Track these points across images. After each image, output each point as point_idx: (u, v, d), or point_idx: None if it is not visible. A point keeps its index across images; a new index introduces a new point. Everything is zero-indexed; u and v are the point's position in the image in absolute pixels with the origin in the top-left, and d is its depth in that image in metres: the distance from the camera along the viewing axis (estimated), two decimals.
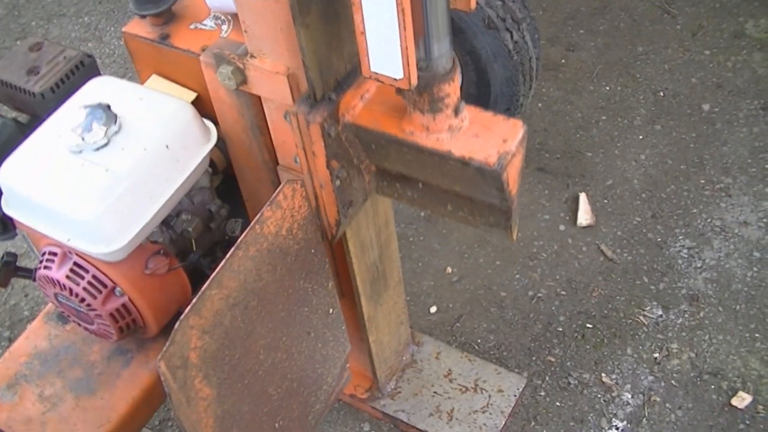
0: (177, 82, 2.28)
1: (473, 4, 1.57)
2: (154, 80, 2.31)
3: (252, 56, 1.78)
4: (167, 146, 1.96)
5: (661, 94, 3.96)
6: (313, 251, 1.99)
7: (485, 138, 1.73)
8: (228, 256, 1.72)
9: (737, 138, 3.73)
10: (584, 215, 3.46)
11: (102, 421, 2.16)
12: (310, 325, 2.14)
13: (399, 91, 1.71)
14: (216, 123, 2.11)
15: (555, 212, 3.52)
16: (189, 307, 1.63)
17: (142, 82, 2.33)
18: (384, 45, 1.47)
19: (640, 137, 3.77)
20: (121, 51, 4.53)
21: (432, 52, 1.62)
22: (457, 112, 1.73)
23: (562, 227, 3.46)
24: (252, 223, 1.76)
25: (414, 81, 1.52)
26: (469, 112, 1.78)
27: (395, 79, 1.52)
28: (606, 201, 3.53)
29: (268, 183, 2.11)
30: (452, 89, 1.70)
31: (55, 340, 2.31)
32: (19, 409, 2.18)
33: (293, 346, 2.09)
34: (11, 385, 2.23)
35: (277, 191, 1.79)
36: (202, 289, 1.67)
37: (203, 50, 2.02)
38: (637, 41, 4.23)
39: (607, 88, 4.01)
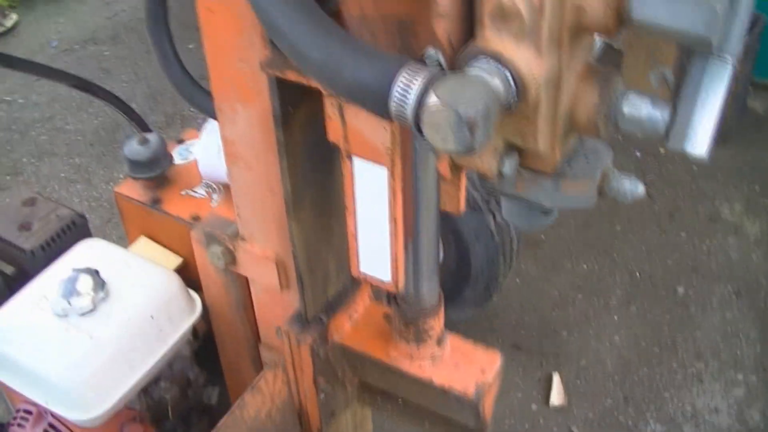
0: (164, 246, 2.33)
1: (462, 209, 1.63)
2: (142, 242, 2.35)
3: (243, 239, 1.83)
4: (152, 316, 1.98)
5: (638, 275, 4.04)
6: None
7: (464, 368, 1.85)
8: None
9: (710, 323, 3.79)
10: (557, 395, 3.48)
11: None
12: None
13: (386, 318, 1.83)
14: (201, 290, 2.14)
15: (528, 391, 3.53)
16: None
17: (129, 242, 2.37)
18: (374, 249, 1.53)
19: (616, 318, 3.83)
20: (108, 196, 4.59)
21: (421, 288, 1.73)
22: (439, 342, 1.84)
23: (534, 406, 3.48)
24: (232, 408, 1.78)
25: (401, 286, 1.57)
26: (450, 340, 1.89)
27: (383, 282, 1.57)
28: (579, 381, 3.56)
29: (248, 357, 2.13)
30: (437, 322, 1.81)
31: None
32: None
33: None
34: None
35: (258, 376, 1.82)
36: None
37: (194, 220, 2.08)
38: (615, 220, 4.33)
39: (585, 266, 4.08)
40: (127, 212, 2.36)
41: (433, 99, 1.05)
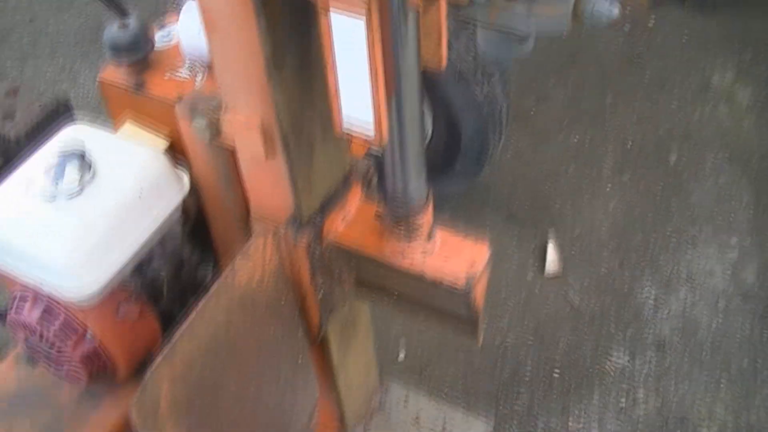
0: (151, 130, 2.30)
1: (443, 64, 1.61)
2: (128, 128, 2.33)
3: (226, 110, 1.81)
4: (140, 196, 1.98)
5: (629, 144, 4.03)
6: (283, 301, 2.01)
7: (455, 260, 1.92)
8: (200, 305, 1.74)
9: (703, 188, 3.80)
10: (552, 264, 3.51)
11: None
12: (279, 373, 2.16)
13: (378, 216, 1.91)
14: (189, 169, 2.13)
15: (523, 261, 3.56)
16: (161, 356, 1.65)
17: (115, 129, 2.35)
18: (356, 104, 1.51)
19: (609, 187, 3.83)
20: (94, 94, 4.55)
21: (409, 186, 1.80)
22: (430, 237, 1.92)
23: (529, 276, 3.51)
24: (224, 274, 1.79)
25: (385, 140, 1.56)
26: (440, 234, 1.95)
27: (367, 136, 1.55)
28: (574, 250, 3.58)
29: (239, 231, 2.13)
30: (426, 219, 1.89)
31: (24, 383, 2.31)
32: None
33: (263, 394, 2.10)
34: None
35: (249, 242, 1.82)
36: (174, 338, 1.69)
37: (178, 99, 2.05)
38: (606, 92, 4.31)
39: (576, 138, 4.07)
40: (112, 99, 2.33)
41: None
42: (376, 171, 2.06)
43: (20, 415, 2.24)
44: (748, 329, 3.27)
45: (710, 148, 4.00)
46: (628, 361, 3.20)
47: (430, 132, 3.34)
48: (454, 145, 3.33)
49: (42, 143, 2.11)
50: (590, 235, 3.64)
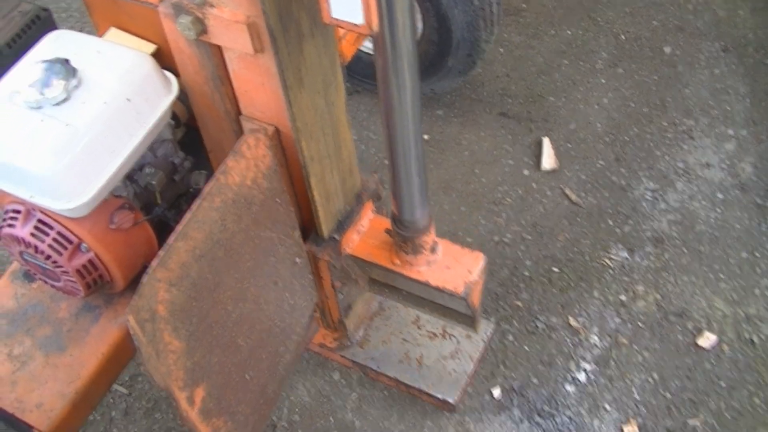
0: (136, 35, 2.25)
1: None
2: (113, 33, 2.27)
3: (211, 5, 1.76)
4: (128, 99, 1.94)
5: (623, 37, 3.97)
6: (278, 200, 1.99)
7: (454, 269, 2.28)
8: (193, 207, 1.71)
9: (698, 80, 3.75)
10: (548, 159, 3.47)
11: (72, 378, 2.15)
12: (277, 274, 2.14)
13: (388, 232, 2.25)
14: (177, 75, 2.08)
15: (518, 157, 3.52)
16: (156, 260, 1.63)
17: (99, 36, 2.29)
18: None
19: (603, 81, 3.78)
20: (78, 5, 4.45)
21: (415, 214, 2.11)
22: (433, 250, 2.27)
23: (526, 172, 3.48)
24: (216, 174, 1.76)
25: (375, 26, 1.51)
26: (442, 246, 2.30)
27: (356, 24, 1.50)
28: (569, 145, 3.54)
29: (231, 133, 2.09)
30: (430, 238, 2.22)
31: (22, 299, 2.30)
32: None
33: (261, 297, 2.09)
34: None
35: (240, 141, 1.78)
36: (169, 241, 1.67)
37: (161, 1, 2.00)
38: None
39: (569, 32, 4.00)
40: (94, 4, 2.27)
41: None
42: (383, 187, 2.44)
43: (20, 332, 2.23)
44: (746, 220, 3.25)
45: (705, 38, 3.93)
46: (627, 256, 3.19)
47: (420, 28, 3.26)
48: (445, 40, 3.26)
49: (24, 52, 2.06)
50: (585, 129, 3.60)
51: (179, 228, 1.67)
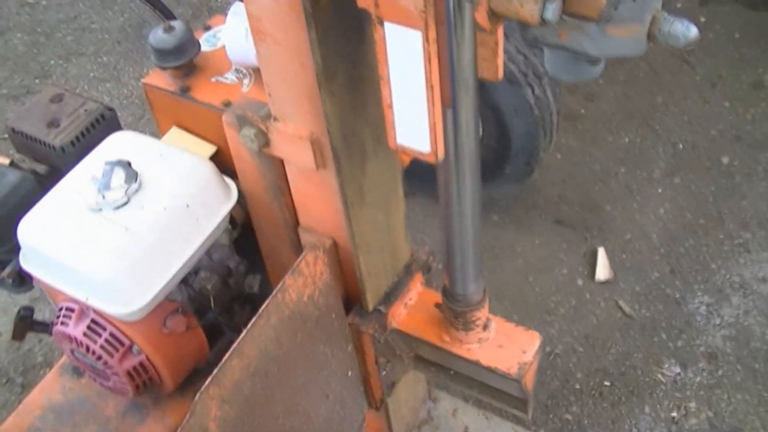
0: (197, 135, 2.27)
1: (500, 75, 1.56)
2: (174, 133, 2.30)
3: (275, 119, 1.77)
4: (187, 205, 1.94)
5: (681, 146, 3.96)
6: (333, 316, 1.98)
7: (508, 349, 2.13)
8: (250, 325, 1.70)
9: (756, 192, 3.71)
10: (602, 270, 3.44)
11: None
12: (328, 387, 2.12)
13: (438, 306, 2.10)
14: (236, 178, 2.09)
15: (573, 266, 3.50)
16: (210, 378, 1.61)
17: (161, 133, 2.32)
18: (411, 118, 1.46)
19: (659, 190, 3.76)
20: (138, 92, 4.54)
21: (468, 288, 1.99)
22: (485, 328, 2.12)
23: (579, 282, 3.44)
24: (274, 292, 1.75)
25: (441, 155, 1.51)
26: (495, 322, 2.15)
27: (422, 152, 1.50)
28: (624, 255, 3.51)
29: (288, 241, 2.09)
30: (482, 314, 2.08)
31: (69, 394, 2.28)
32: None
33: (311, 410, 2.06)
34: None
35: (299, 259, 1.78)
36: (224, 359, 1.65)
37: (225, 106, 2.02)
38: (656, 91, 4.22)
39: (626, 139, 4.00)
40: (157, 103, 2.30)
41: None
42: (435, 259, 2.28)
43: (66, 426, 2.21)
44: None
45: (763, 149, 3.90)
46: (680, 372, 3.13)
47: (480, 134, 3.28)
48: (503, 148, 3.27)
49: (88, 152, 2.08)
50: (641, 240, 3.57)
51: (235, 346, 1.66)
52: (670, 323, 3.28)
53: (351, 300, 2.17)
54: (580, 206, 3.71)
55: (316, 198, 1.88)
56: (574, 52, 1.28)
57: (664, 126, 4.05)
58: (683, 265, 3.46)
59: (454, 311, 2.05)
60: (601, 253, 3.50)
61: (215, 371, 1.63)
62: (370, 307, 2.16)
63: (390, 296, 2.20)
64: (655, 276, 3.44)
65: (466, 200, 1.72)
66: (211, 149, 2.23)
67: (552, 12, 1.17)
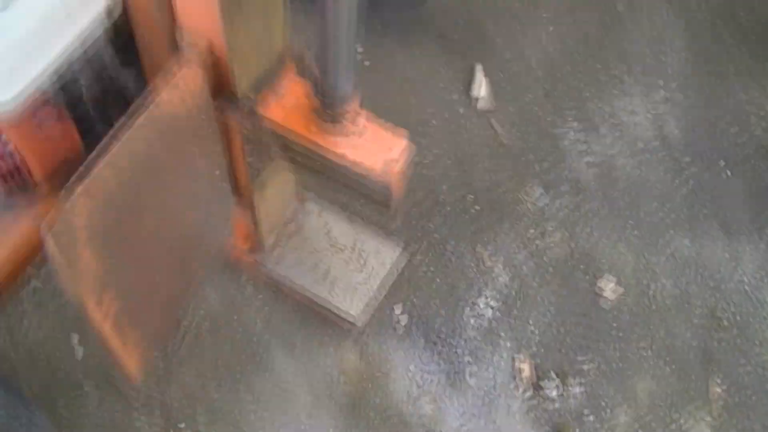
0: None
1: None
2: None
3: None
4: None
5: None
6: (203, 117, 1.99)
7: (374, 145, 2.13)
8: (123, 136, 1.70)
9: (639, 28, 3.76)
10: (478, 87, 3.48)
11: None
12: (197, 186, 2.15)
13: (308, 97, 2.10)
14: None
15: (450, 81, 3.52)
16: (80, 186, 1.62)
17: None
18: None
19: (544, 15, 3.76)
20: None
21: (339, 80, 1.99)
22: (354, 123, 2.12)
23: (455, 96, 3.48)
24: (150, 104, 1.74)
25: None
26: (364, 119, 2.15)
27: None
28: (502, 75, 3.54)
29: (164, 40, 2.04)
30: (352, 107, 2.09)
31: None
32: None
33: (179, 208, 2.10)
34: None
35: (178, 72, 1.77)
36: (94, 169, 1.66)
37: None
38: None
39: None
40: None
41: None
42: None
43: None
44: (661, 174, 3.33)
45: None
46: (544, 195, 3.25)
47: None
48: None
49: None
50: (520, 62, 3.60)
51: (106, 157, 1.66)
52: (540, 148, 3.36)
53: (221, 88, 2.10)
54: (465, 23, 3.68)
55: (197, 7, 1.85)
56: None
57: None
58: (558, 90, 3.52)
59: (323, 102, 2.05)
60: (479, 70, 3.53)
61: (86, 181, 1.63)
62: (239, 94, 2.09)
63: (260, 84, 2.14)
64: (529, 98, 3.49)
65: None
66: None
67: None
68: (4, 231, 2.18)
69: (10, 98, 1.83)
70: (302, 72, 2.20)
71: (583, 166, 3.32)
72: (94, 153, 1.69)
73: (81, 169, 1.65)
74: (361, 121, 2.14)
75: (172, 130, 1.86)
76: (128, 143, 1.72)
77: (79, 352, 2.85)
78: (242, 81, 2.05)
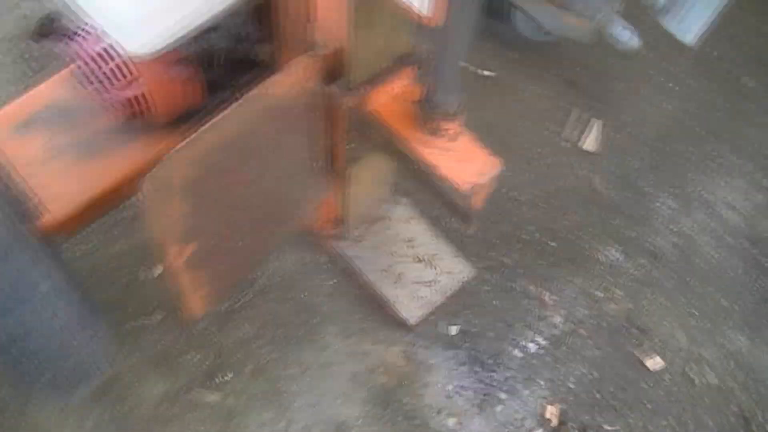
0: None
1: None
2: None
3: None
4: None
5: (707, 49, 4.00)
6: (310, 104, 2.18)
7: (467, 165, 2.23)
8: (233, 107, 1.90)
9: (763, 123, 3.82)
10: (591, 140, 3.60)
11: (92, 184, 2.36)
12: (290, 163, 2.35)
13: (414, 105, 2.20)
14: None
15: (564, 125, 3.66)
16: (185, 141, 1.83)
17: None
18: None
19: (672, 86, 3.86)
20: None
21: (446, 97, 2.10)
22: (453, 140, 2.23)
23: (564, 141, 3.62)
24: (263, 83, 1.94)
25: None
26: (464, 138, 2.26)
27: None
28: (616, 134, 3.67)
29: (300, 29, 2.23)
30: (454, 126, 2.21)
31: (71, 100, 2.46)
32: (26, 148, 2.39)
33: (270, 179, 2.30)
34: (27, 123, 2.42)
35: (296, 60, 1.97)
36: (201, 129, 1.86)
37: None
38: None
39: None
40: None
41: None
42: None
43: (63, 127, 2.43)
44: (740, 269, 3.40)
45: None
46: (619, 257, 3.36)
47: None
48: None
49: None
50: (636, 126, 3.71)
51: (213, 120, 1.87)
52: (630, 209, 3.47)
53: (337, 74, 2.25)
54: (594, 73, 3.82)
55: (332, 11, 2.05)
56: (531, 18, 1.43)
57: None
58: (665, 164, 3.61)
59: (428, 114, 2.18)
60: (595, 123, 3.65)
61: (191, 137, 1.84)
62: (353, 84, 2.24)
63: (375, 79, 2.28)
64: (635, 163, 3.60)
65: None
66: None
67: None
68: (119, 155, 2.42)
69: (152, 49, 2.05)
70: (419, 78, 2.34)
71: (665, 241, 3.42)
72: (207, 115, 1.89)
73: (194, 124, 1.85)
74: (461, 139, 2.26)
75: (277, 111, 2.05)
76: (234, 115, 1.92)
77: (155, 276, 3.12)
78: (358, 74, 2.21)
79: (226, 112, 1.89)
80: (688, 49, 3.87)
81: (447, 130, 2.21)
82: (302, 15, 2.19)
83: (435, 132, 2.21)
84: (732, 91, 3.92)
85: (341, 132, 2.40)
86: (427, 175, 2.32)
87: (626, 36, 1.40)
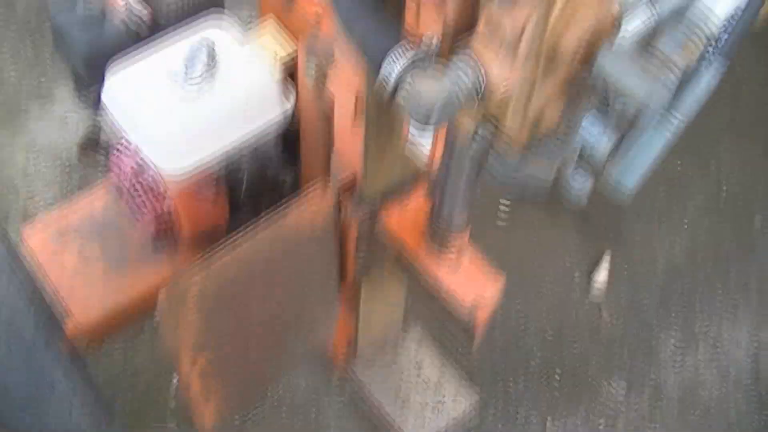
0: (288, 33, 2.47)
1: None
2: (269, 24, 2.49)
3: (335, 63, 2.01)
4: (249, 97, 2.24)
5: (725, 188, 4.08)
6: (326, 242, 2.31)
7: (471, 282, 2.28)
8: (250, 235, 2.04)
9: None
10: (600, 273, 3.71)
11: (117, 295, 2.46)
12: (306, 287, 2.45)
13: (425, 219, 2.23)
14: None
15: (575, 257, 3.76)
16: (201, 261, 1.97)
17: (259, 15, 2.53)
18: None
19: (686, 225, 3.95)
20: None
21: (452, 217, 2.15)
22: (458, 255, 2.28)
23: (575, 273, 3.72)
24: (279, 214, 2.09)
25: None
26: (470, 254, 2.31)
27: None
28: (626, 270, 3.75)
29: (322, 156, 2.37)
30: (460, 242, 2.26)
31: (108, 211, 2.58)
32: (59, 256, 2.49)
33: (287, 310, 2.41)
34: (62, 233, 2.52)
35: (308, 190, 2.12)
36: (217, 253, 2.00)
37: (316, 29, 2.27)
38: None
39: (679, 162, 4.12)
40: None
41: (408, 80, 1.42)
42: None
43: (97, 237, 2.54)
44: (743, 407, 3.44)
45: None
46: (623, 391, 3.42)
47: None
48: None
49: (187, 26, 2.35)
50: (647, 263, 3.79)
51: (230, 247, 2.01)
52: (636, 343, 3.54)
53: (348, 190, 2.34)
54: (607, 208, 3.88)
55: (348, 147, 2.18)
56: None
57: (719, 163, 4.14)
58: (673, 301, 3.69)
59: (435, 228, 2.23)
60: (606, 258, 3.75)
61: (208, 257, 1.97)
62: (364, 197, 2.31)
63: (387, 193, 2.35)
64: (644, 300, 3.68)
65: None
66: (292, 50, 2.46)
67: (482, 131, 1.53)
68: (145, 268, 2.52)
69: (184, 170, 2.20)
70: (429, 193, 2.36)
71: (670, 376, 3.47)
72: (230, 240, 2.03)
73: (215, 243, 1.98)
74: (465, 255, 2.30)
75: (295, 242, 2.20)
76: (252, 238, 2.06)
77: (174, 390, 3.20)
78: (370, 189, 2.29)
79: (244, 234, 2.02)
80: (703, 190, 3.95)
81: (453, 244, 2.26)
82: (324, 143, 2.33)
83: (441, 245, 2.26)
84: (743, 229, 3.98)
85: (351, 242, 2.45)
86: (432, 288, 2.36)
87: (577, 183, 1.56)
